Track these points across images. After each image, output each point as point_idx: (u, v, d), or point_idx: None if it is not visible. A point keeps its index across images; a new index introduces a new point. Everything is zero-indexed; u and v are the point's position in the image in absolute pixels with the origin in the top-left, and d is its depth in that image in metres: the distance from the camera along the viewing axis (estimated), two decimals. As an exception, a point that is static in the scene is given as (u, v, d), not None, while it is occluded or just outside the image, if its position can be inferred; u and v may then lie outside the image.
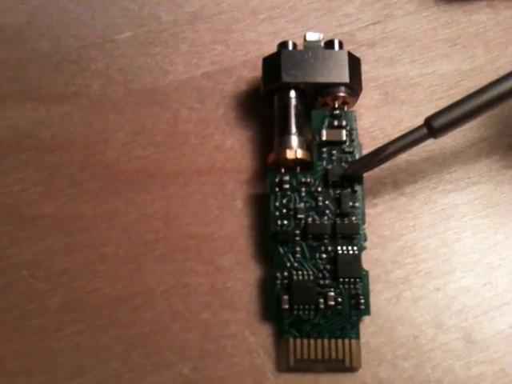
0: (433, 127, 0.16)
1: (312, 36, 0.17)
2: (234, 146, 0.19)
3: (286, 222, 0.17)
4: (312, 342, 0.16)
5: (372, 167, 0.17)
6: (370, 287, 0.16)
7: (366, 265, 0.17)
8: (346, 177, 0.17)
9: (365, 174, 0.18)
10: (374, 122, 0.19)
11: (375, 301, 0.17)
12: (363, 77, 0.18)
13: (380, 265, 0.17)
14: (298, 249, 0.16)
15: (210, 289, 0.17)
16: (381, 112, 0.19)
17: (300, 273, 0.16)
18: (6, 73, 0.19)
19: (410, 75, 0.20)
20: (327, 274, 0.16)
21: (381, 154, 0.16)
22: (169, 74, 0.19)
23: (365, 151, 0.18)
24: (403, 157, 0.19)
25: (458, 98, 0.20)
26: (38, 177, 0.18)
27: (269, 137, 0.18)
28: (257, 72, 0.19)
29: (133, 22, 0.20)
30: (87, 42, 0.20)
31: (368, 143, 0.19)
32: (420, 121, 0.19)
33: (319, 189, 0.17)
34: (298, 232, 0.16)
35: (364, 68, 0.19)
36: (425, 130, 0.16)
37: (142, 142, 0.19)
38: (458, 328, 0.17)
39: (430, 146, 0.19)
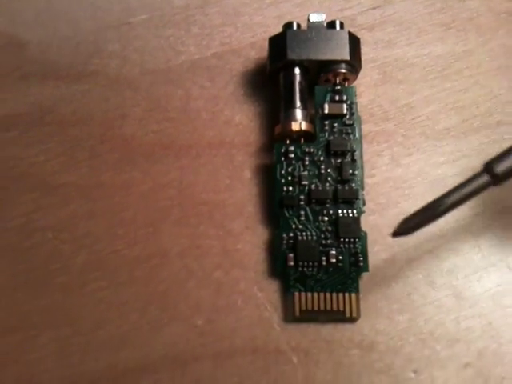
0: (496, 174, 0.14)
1: (315, 17, 0.19)
2: (243, 121, 0.20)
3: (291, 188, 0.18)
4: (315, 295, 0.17)
5: (428, 223, 0.15)
6: (368, 249, 0.18)
7: (364, 229, 0.18)
8: (398, 235, 0.15)
9: (363, 147, 0.19)
10: (372, 99, 0.20)
11: (373, 261, 0.18)
12: (363, 58, 0.20)
13: (377, 229, 0.19)
14: (302, 212, 0.18)
15: (221, 250, 0.18)
16: (379, 90, 0.20)
17: (304, 234, 0.18)
18: (28, 54, 0.21)
19: (406, 56, 0.21)
20: (329, 235, 0.18)
21: (438, 209, 0.14)
22: (181, 55, 0.21)
23: (364, 126, 0.20)
24: (400, 132, 0.20)
25: (452, 78, 0.21)
26: (60, 149, 0.19)
27: (274, 112, 0.20)
28: (263, 53, 0.20)
29: (147, 5, 0.21)
30: (104, 24, 0.21)
31: (367, 119, 0.20)
32: (415, 100, 0.21)
33: (322, 158, 0.18)
34: (302, 197, 0.18)
35: (364, 50, 0.20)
36: (486, 178, 0.14)
37: (156, 117, 0.20)
38: (448, 286, 0.18)
39: (424, 122, 0.20)
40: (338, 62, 0.18)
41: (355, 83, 0.20)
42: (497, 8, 0.22)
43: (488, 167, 0.14)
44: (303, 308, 0.17)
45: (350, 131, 0.18)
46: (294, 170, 0.18)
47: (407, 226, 0.15)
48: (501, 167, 0.14)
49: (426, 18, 0.22)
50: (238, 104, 0.20)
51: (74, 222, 0.18)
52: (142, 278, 0.18)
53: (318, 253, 0.17)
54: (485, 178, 0.14)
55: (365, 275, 0.18)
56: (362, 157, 0.19)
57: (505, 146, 0.20)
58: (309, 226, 0.18)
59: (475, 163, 0.20)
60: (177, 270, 0.18)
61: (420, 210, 0.15)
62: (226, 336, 0.17)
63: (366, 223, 0.18)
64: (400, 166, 0.19)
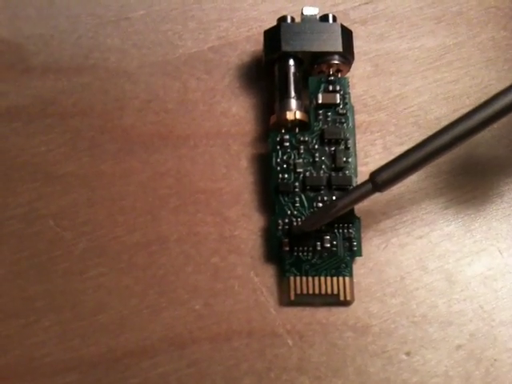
0: (377, 183, 0.16)
1: (308, 10, 0.19)
2: (239, 112, 0.20)
3: (286, 175, 0.18)
4: (310, 279, 0.18)
5: (323, 222, 0.17)
6: (362, 235, 0.18)
7: (357, 214, 0.18)
8: (300, 231, 0.17)
9: (357, 136, 0.20)
10: (365, 90, 0.21)
11: (366, 246, 0.19)
12: (356, 51, 0.20)
13: (370, 215, 0.19)
14: (297, 199, 0.18)
15: (218, 237, 0.19)
16: (372, 82, 0.21)
17: (299, 219, 0.18)
18: (30, 47, 0.21)
19: (398, 49, 0.22)
20: (323, 220, 0.18)
21: (331, 210, 0.17)
22: (179, 49, 0.21)
23: (357, 116, 0.20)
24: (392, 121, 0.21)
25: (443, 69, 0.22)
26: (61, 139, 0.20)
27: (269, 103, 0.20)
28: (258, 46, 0.21)
29: (145, 1, 0.22)
30: (104, 19, 0.22)
31: (360, 109, 0.21)
32: (407, 90, 0.22)
33: (316, 146, 0.19)
34: (297, 184, 0.18)
35: (357, 43, 0.21)
36: (370, 186, 0.16)
37: (155, 108, 0.20)
38: (440, 270, 0.19)
39: (415, 112, 0.21)
40: (331, 54, 0.19)
41: (349, 75, 0.20)
42: (486, 2, 0.22)
43: (372, 177, 0.16)
44: (298, 292, 0.17)
45: (343, 120, 0.19)
46: (289, 158, 0.19)
47: (308, 223, 0.17)
48: (381, 177, 0.16)
49: (417, 12, 0.22)
50: (234, 95, 0.21)
51: (74, 210, 0.19)
52: (142, 264, 0.18)
53: (312, 238, 0.18)
54: (369, 186, 0.16)
55: (358, 259, 0.18)
56: (355, 145, 0.19)
57: (494, 134, 0.20)
58: (304, 212, 0.18)
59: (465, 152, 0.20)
60: (175, 255, 0.18)
61: (317, 211, 0.18)
62: (223, 319, 0.18)
63: (359, 209, 0.19)
64: (392, 155, 0.19)
